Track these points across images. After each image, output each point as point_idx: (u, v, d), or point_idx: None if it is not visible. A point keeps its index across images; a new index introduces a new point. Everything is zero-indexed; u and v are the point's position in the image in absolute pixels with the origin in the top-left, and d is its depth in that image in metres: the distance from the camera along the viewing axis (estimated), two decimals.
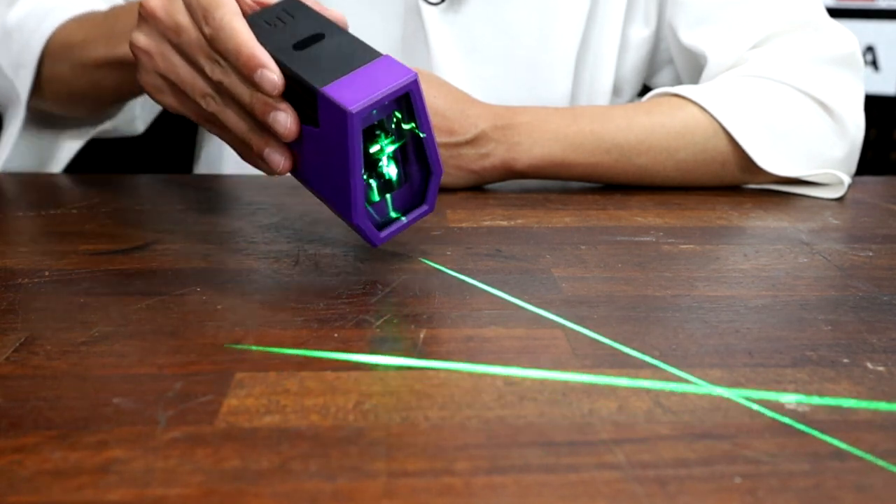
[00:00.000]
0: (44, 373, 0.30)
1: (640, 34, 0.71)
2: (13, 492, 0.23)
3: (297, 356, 0.31)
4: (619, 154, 0.60)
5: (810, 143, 0.60)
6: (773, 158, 0.59)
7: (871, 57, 1.76)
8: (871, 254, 0.46)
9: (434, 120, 0.58)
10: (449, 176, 0.59)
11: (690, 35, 0.66)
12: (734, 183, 0.62)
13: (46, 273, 0.40)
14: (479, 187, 0.61)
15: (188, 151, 0.80)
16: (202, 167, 0.77)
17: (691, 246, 0.47)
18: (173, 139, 0.83)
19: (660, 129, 0.60)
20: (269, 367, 0.30)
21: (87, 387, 0.29)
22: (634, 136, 0.60)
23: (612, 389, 0.29)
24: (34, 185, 0.60)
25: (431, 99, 0.58)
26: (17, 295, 0.37)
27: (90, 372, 0.30)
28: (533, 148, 0.59)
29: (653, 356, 0.32)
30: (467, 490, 0.23)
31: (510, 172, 0.60)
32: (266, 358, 0.31)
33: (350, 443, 0.25)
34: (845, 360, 0.32)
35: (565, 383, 0.29)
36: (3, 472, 0.23)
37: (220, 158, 0.74)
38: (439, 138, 0.58)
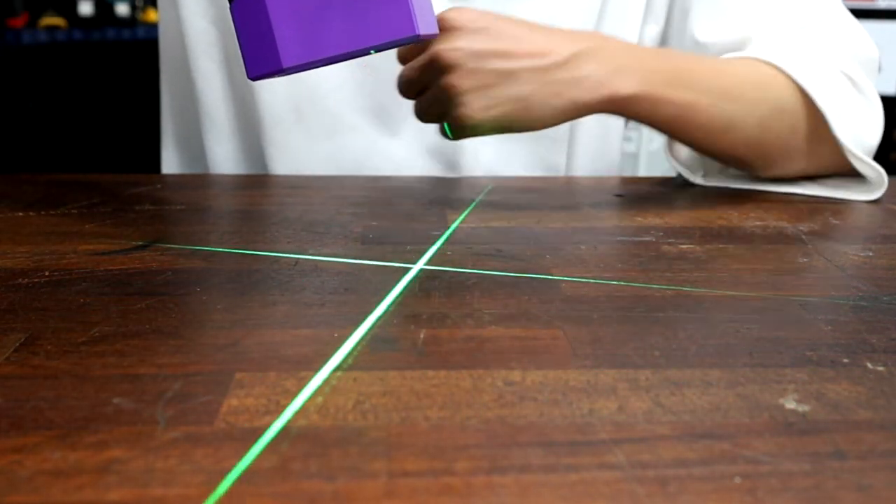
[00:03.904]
0: (44, 373, 0.30)
1: (651, 32, 0.70)
2: (13, 492, 0.23)
3: (297, 356, 0.31)
4: (711, 98, 0.55)
5: (863, 124, 0.59)
6: (845, 128, 0.57)
7: None
8: (871, 254, 0.46)
9: (514, 46, 0.51)
10: (538, 111, 0.52)
11: (703, 31, 0.65)
12: (793, 154, 0.60)
13: (46, 273, 0.40)
14: (477, 193, 0.61)
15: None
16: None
17: (691, 246, 0.47)
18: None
19: (746, 78, 0.57)
20: (269, 367, 0.30)
21: (87, 387, 0.29)
22: (727, 82, 0.56)
23: (612, 389, 0.29)
24: (34, 185, 0.60)
25: (505, 27, 0.52)
26: (17, 295, 0.37)
27: (90, 372, 0.30)
28: (632, 77, 0.53)
29: (653, 356, 0.32)
30: (467, 490, 0.23)
31: (607, 102, 0.53)
32: (266, 358, 0.31)
33: (350, 443, 0.25)
34: (845, 360, 0.32)
35: (565, 383, 0.29)
36: (3, 472, 0.23)
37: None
38: (524, 62, 0.51)
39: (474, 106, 0.51)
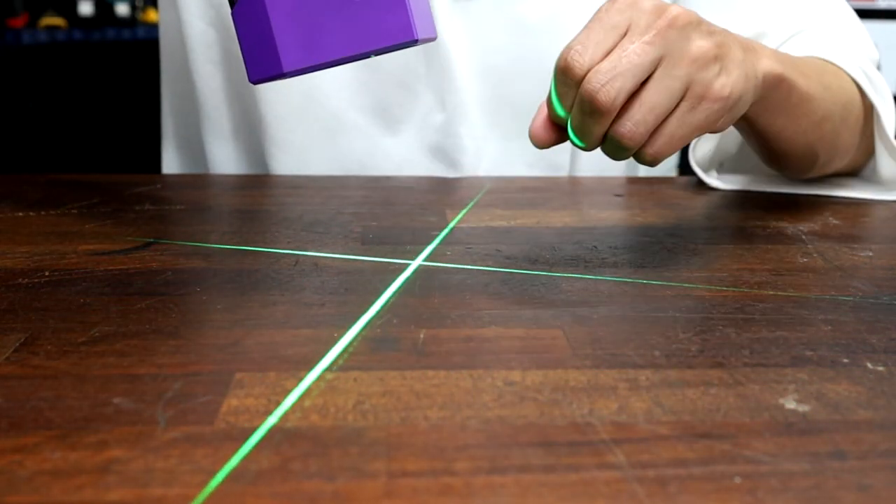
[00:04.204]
0: (44, 373, 0.30)
1: None
2: (13, 492, 0.23)
3: (297, 356, 0.31)
4: (817, 86, 0.52)
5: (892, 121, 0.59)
6: (891, 124, 0.57)
7: None
8: (871, 254, 0.46)
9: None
10: (747, 83, 0.42)
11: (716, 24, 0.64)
12: (849, 149, 0.59)
13: (46, 273, 0.40)
14: (470, 195, 0.61)
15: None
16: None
17: (692, 246, 0.47)
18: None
19: (824, 69, 0.55)
20: (268, 367, 0.30)
21: (87, 387, 0.29)
22: (826, 75, 0.54)
23: (612, 389, 0.29)
24: (34, 186, 0.60)
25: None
26: (17, 295, 0.37)
27: (90, 372, 0.30)
28: (772, 56, 0.47)
29: (653, 356, 0.32)
30: (467, 490, 0.23)
31: (767, 77, 0.46)
32: (266, 358, 0.31)
33: (350, 443, 0.25)
34: (845, 360, 0.32)
35: (565, 383, 0.29)
36: (3, 472, 0.23)
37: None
38: (721, 27, 0.42)
39: (733, 73, 0.41)
